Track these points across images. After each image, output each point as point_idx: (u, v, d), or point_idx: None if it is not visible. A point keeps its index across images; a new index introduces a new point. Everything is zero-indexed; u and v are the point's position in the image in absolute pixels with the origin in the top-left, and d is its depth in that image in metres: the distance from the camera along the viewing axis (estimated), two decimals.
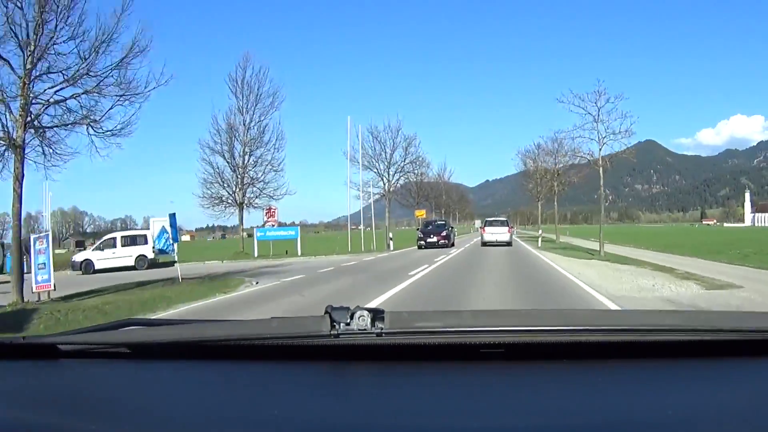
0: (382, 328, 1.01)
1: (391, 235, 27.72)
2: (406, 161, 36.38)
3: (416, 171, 38.83)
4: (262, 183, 28.43)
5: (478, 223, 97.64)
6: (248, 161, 28.12)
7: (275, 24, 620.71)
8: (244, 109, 27.89)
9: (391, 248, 27.23)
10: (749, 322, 1.34)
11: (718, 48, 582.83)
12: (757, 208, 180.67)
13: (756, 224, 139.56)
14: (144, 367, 1.14)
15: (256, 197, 28.42)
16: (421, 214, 42.64)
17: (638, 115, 20.59)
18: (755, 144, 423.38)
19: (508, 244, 26.29)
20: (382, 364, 1.04)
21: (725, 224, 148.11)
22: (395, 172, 36.05)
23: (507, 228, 27.74)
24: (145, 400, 0.95)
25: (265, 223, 27.61)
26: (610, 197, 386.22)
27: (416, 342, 1.04)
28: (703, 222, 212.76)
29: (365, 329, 1.01)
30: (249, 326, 1.38)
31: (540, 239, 28.25)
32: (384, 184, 35.50)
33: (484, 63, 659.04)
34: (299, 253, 25.25)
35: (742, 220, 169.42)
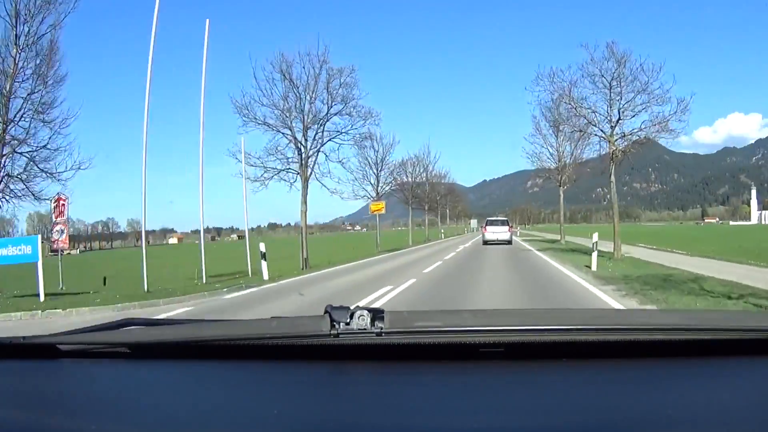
0: (381, 328, 1.01)
1: (263, 248, 13.86)
2: (332, 109, 18.71)
3: (356, 129, 19.66)
4: (36, 149, 12.65)
5: (473, 222, 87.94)
6: (20, 110, 12.38)
7: None
8: (18, 14, 11.86)
9: (265, 276, 13.57)
10: (749, 321, 1.35)
11: (715, 46, 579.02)
12: (764, 205, 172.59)
13: (763, 222, 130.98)
14: (144, 366, 1.13)
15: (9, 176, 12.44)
16: (378, 207, 29.05)
17: None
18: (753, 142, 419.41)
19: (508, 242, 28.31)
20: (382, 363, 1.04)
21: (731, 222, 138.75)
22: (317, 133, 18.85)
23: (507, 227, 29.68)
24: (145, 400, 0.95)
25: (54, 225, 13.95)
26: (608, 196, 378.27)
27: (416, 342, 1.04)
28: (705, 220, 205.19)
29: (365, 329, 1.01)
30: (249, 326, 1.37)
31: (594, 253, 13.26)
32: (301, 154, 18.42)
33: (483, 61, 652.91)
34: (42, 296, 10.26)
35: (748, 218, 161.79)
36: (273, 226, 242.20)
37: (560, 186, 28.96)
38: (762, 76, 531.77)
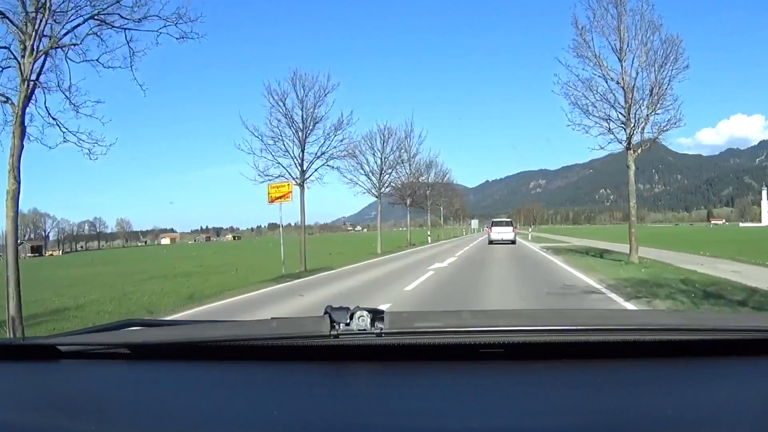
0: (381, 329, 1.01)
1: None
2: None
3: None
4: None
5: (474, 222, 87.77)
6: None
7: None
8: None
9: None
10: (749, 321, 1.36)
11: (717, 46, 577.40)
12: None
13: None
14: (144, 367, 1.14)
15: None
16: (281, 193, 16.66)
17: None
18: (756, 143, 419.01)
19: (512, 242, 28.85)
20: (382, 364, 1.04)
21: (741, 224, 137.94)
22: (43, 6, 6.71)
23: (511, 228, 30.52)
24: (145, 400, 0.95)
25: None
26: (611, 197, 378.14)
27: (416, 342, 1.04)
28: (712, 222, 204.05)
29: (365, 329, 1.01)
30: (249, 327, 1.37)
31: None
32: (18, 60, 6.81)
33: (484, 62, 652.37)
34: None
35: (758, 220, 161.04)
36: (274, 227, 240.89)
37: (629, 148, 15.08)
38: (765, 77, 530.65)
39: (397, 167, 32.26)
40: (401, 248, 31.84)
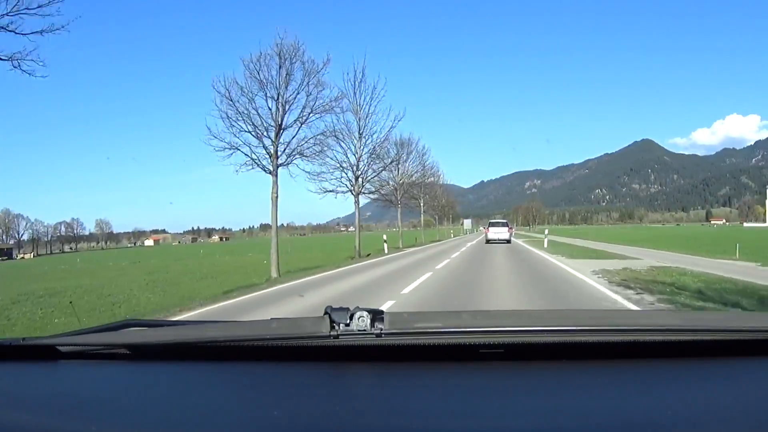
0: (381, 329, 1.02)
1: None
2: None
3: None
4: None
5: (467, 223, 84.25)
6: None
7: None
8: None
9: None
10: (749, 322, 1.36)
11: (714, 47, 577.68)
12: None
13: None
14: (144, 368, 1.14)
15: None
16: None
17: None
18: (752, 143, 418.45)
19: (507, 241, 31.18)
20: (382, 364, 1.05)
21: (745, 224, 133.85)
22: None
23: (507, 228, 33.15)
24: (144, 401, 0.95)
25: None
26: (607, 197, 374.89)
27: (416, 343, 1.04)
28: (712, 222, 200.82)
29: (365, 330, 1.01)
30: (249, 327, 1.39)
31: None
32: None
33: (481, 63, 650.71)
34: None
35: (762, 220, 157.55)
36: (265, 227, 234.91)
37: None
38: (760, 77, 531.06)
39: (314, 120, 16.23)
40: (336, 264, 19.09)
